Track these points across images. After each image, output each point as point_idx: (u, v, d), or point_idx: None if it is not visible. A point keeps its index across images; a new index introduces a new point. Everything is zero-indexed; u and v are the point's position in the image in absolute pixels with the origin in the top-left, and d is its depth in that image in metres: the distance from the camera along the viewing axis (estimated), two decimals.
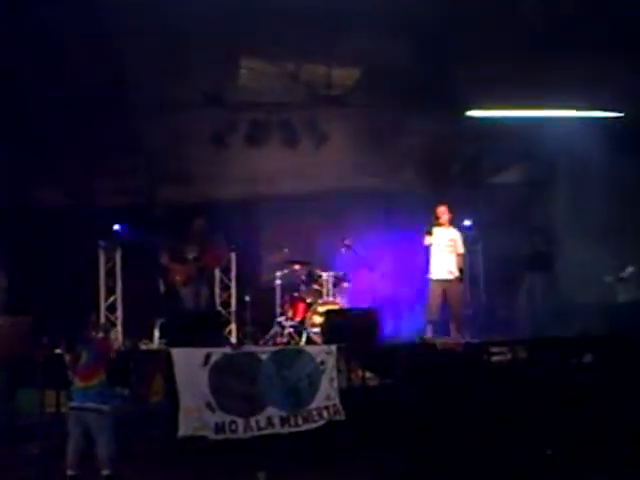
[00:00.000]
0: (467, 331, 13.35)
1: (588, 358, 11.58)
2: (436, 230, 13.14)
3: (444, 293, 13.01)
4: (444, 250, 13.10)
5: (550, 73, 11.92)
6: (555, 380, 10.82)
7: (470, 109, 13.12)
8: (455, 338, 12.54)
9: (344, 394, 10.74)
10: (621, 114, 13.30)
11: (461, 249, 13.31)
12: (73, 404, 9.08)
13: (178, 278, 12.89)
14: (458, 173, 15.87)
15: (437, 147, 15.06)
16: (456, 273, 13.12)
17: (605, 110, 13.31)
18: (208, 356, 10.37)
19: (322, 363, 10.70)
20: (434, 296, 13.05)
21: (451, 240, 13.17)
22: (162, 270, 13.26)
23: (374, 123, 13.85)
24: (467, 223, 15.47)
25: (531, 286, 12.88)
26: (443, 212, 13.24)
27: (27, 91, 11.75)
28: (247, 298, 13.85)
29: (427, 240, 13.14)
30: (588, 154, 13.16)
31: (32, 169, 14.13)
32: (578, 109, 13.22)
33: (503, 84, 12.32)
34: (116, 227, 14.64)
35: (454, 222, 13.44)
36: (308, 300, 13.61)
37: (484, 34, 11.16)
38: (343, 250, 13.92)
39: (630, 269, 13.82)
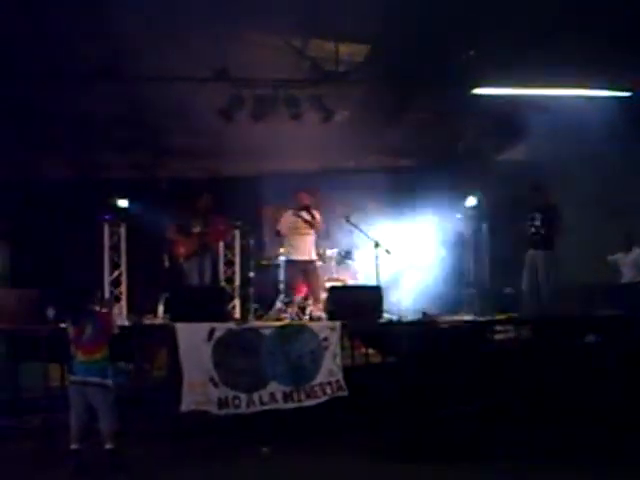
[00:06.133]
0: (471, 309, 13.34)
1: (591, 338, 11.58)
2: (293, 215, 13.27)
3: (304, 275, 13.14)
4: (301, 233, 13.21)
5: (558, 51, 11.84)
6: (558, 359, 10.81)
7: (477, 86, 13.04)
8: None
9: (347, 371, 10.76)
10: (629, 93, 13.22)
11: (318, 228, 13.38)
12: (75, 378, 9.10)
13: (182, 251, 12.89)
14: (464, 151, 15.82)
15: (443, 124, 15.01)
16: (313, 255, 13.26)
17: (613, 89, 13.23)
18: (212, 331, 10.39)
19: (325, 339, 10.70)
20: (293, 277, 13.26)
21: (306, 223, 13.17)
22: (167, 245, 13.26)
23: (380, 100, 13.79)
24: (472, 202, 15.46)
25: (532, 265, 12.80)
26: (303, 198, 13.29)
27: (30, 62, 11.66)
28: (251, 274, 13.83)
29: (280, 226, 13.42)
30: (595, 134, 13.10)
31: (37, 142, 14.12)
32: (585, 88, 13.14)
33: (510, 62, 12.24)
34: (121, 202, 14.63)
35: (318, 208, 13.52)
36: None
37: (493, 11, 11.08)
38: (348, 227, 13.88)
39: (619, 255, 13.81)
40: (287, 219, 13.19)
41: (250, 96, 12.94)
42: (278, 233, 13.52)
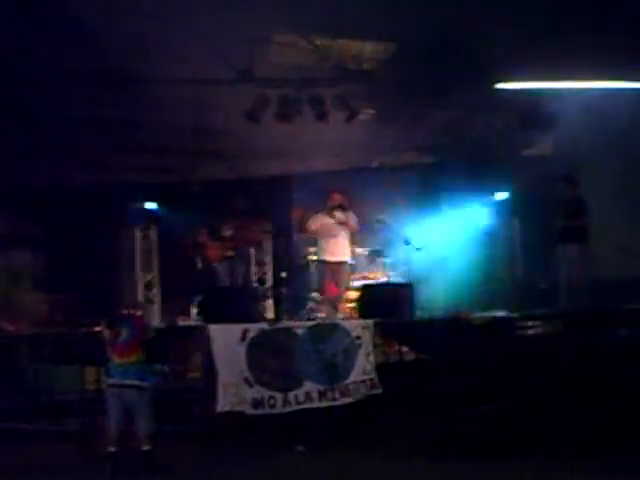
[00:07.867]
0: (503, 305, 13.32)
1: (624, 332, 11.52)
2: (324, 216, 13.12)
3: (333, 275, 13.03)
4: (333, 234, 13.07)
5: (583, 44, 11.79)
6: (591, 353, 10.78)
7: (502, 81, 13.00)
8: None
9: (380, 368, 10.78)
10: None
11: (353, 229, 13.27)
12: (112, 381, 9.20)
13: (214, 254, 12.97)
14: (492, 146, 15.77)
15: (470, 120, 14.99)
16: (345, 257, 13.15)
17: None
18: (245, 332, 10.44)
19: (358, 338, 10.71)
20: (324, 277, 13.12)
21: (340, 224, 13.05)
22: (199, 247, 13.34)
23: (405, 98, 13.79)
24: (502, 196, 15.44)
25: (564, 259, 12.71)
26: (336, 198, 13.13)
27: (54, 69, 11.72)
28: (283, 274, 13.89)
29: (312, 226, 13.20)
30: (623, 126, 13.01)
31: (67, 149, 14.21)
32: (611, 80, 13.06)
33: (535, 56, 12.20)
34: (151, 206, 14.74)
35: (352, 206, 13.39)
36: None
37: (517, 5, 11.06)
38: (377, 225, 13.90)
39: None
40: (318, 221, 13.09)
41: (275, 96, 12.97)
42: (305, 230, 13.35)
